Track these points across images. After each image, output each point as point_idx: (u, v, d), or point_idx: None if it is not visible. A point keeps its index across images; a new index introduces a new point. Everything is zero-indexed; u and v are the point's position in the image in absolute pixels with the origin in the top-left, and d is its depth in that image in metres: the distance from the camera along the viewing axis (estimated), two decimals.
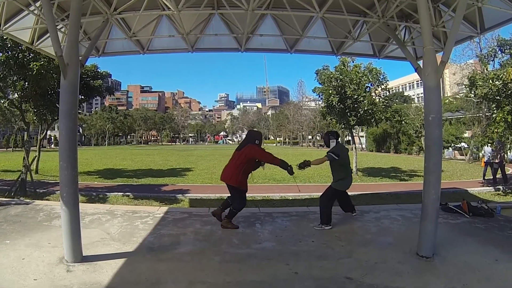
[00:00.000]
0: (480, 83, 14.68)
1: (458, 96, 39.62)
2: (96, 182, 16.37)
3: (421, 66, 5.65)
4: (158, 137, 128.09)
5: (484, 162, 17.59)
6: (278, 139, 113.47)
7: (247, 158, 6.95)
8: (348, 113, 18.30)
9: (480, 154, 31.09)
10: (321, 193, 7.39)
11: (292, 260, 5.35)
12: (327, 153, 7.16)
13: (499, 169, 16.73)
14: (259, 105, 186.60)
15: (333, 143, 7.30)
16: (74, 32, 5.33)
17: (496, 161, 16.54)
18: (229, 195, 7.26)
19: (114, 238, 6.31)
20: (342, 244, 6.16)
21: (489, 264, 5.15)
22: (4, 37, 12.32)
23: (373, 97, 19.14)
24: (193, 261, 5.34)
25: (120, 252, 5.60)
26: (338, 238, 6.48)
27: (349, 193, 8.12)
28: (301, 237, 6.52)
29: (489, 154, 16.95)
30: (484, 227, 7.14)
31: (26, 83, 15.46)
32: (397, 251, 5.72)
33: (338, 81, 18.14)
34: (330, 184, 7.37)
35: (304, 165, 7.06)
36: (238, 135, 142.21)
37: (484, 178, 17.25)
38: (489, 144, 16.40)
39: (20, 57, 13.79)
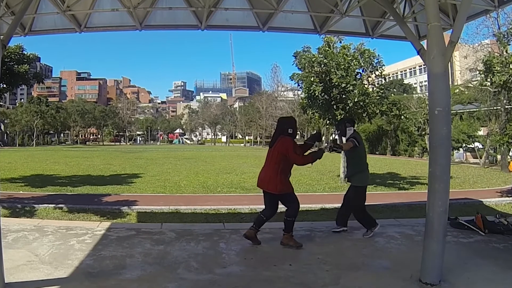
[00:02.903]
0: (498, 68, 15.03)
1: (470, 85, 40.45)
2: (21, 192, 16.03)
3: (425, 47, 5.64)
4: (99, 136, 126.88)
5: None
6: (247, 137, 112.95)
7: (281, 155, 6.94)
8: (334, 106, 18.20)
9: (499, 157, 31.80)
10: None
11: None
12: (347, 139, 7.79)
13: None
14: (224, 95, 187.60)
15: (350, 131, 7.95)
16: None
17: None
18: (263, 208, 7.34)
19: (44, 261, 6.18)
20: (327, 268, 6.17)
21: None
22: None
23: (365, 85, 19.20)
24: None
25: (52, 278, 5.49)
26: (322, 261, 6.50)
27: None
28: (276, 260, 6.51)
29: None
30: (503, 248, 7.19)
31: None
32: (395, 277, 5.74)
33: (322, 66, 18.01)
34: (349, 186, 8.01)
35: (335, 147, 7.51)
36: (197, 133, 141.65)
37: None
38: None
39: None
